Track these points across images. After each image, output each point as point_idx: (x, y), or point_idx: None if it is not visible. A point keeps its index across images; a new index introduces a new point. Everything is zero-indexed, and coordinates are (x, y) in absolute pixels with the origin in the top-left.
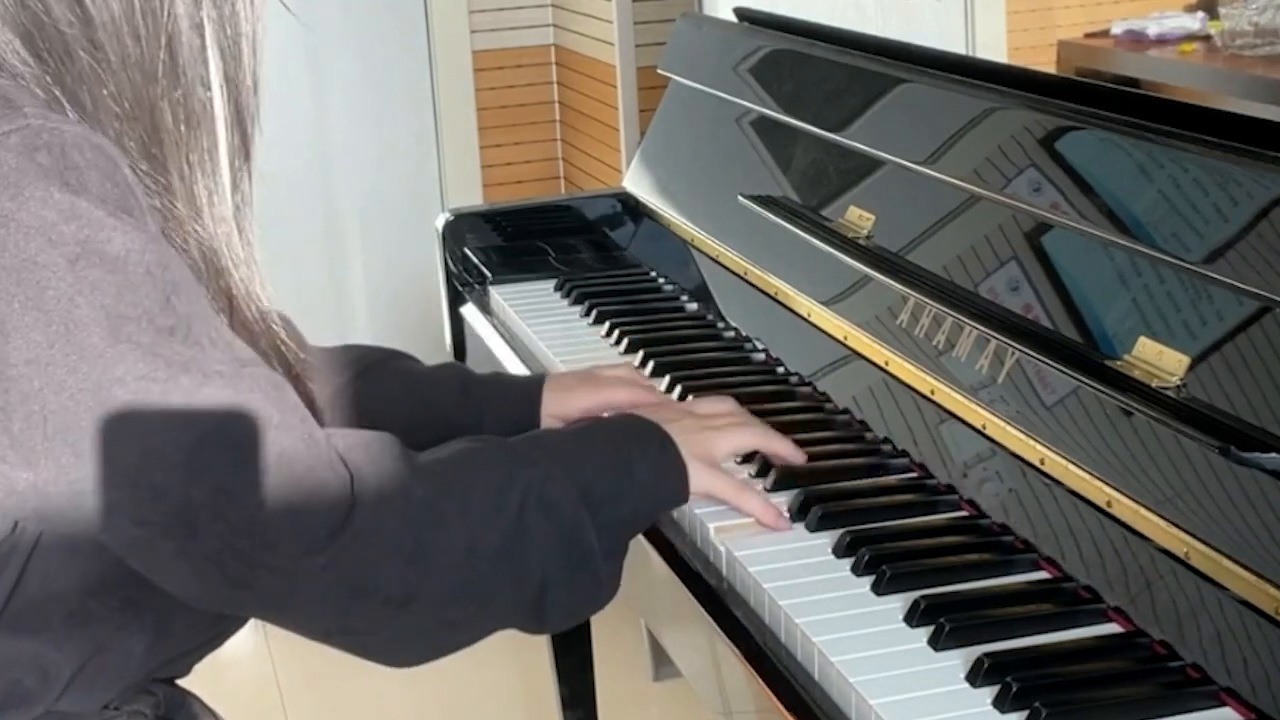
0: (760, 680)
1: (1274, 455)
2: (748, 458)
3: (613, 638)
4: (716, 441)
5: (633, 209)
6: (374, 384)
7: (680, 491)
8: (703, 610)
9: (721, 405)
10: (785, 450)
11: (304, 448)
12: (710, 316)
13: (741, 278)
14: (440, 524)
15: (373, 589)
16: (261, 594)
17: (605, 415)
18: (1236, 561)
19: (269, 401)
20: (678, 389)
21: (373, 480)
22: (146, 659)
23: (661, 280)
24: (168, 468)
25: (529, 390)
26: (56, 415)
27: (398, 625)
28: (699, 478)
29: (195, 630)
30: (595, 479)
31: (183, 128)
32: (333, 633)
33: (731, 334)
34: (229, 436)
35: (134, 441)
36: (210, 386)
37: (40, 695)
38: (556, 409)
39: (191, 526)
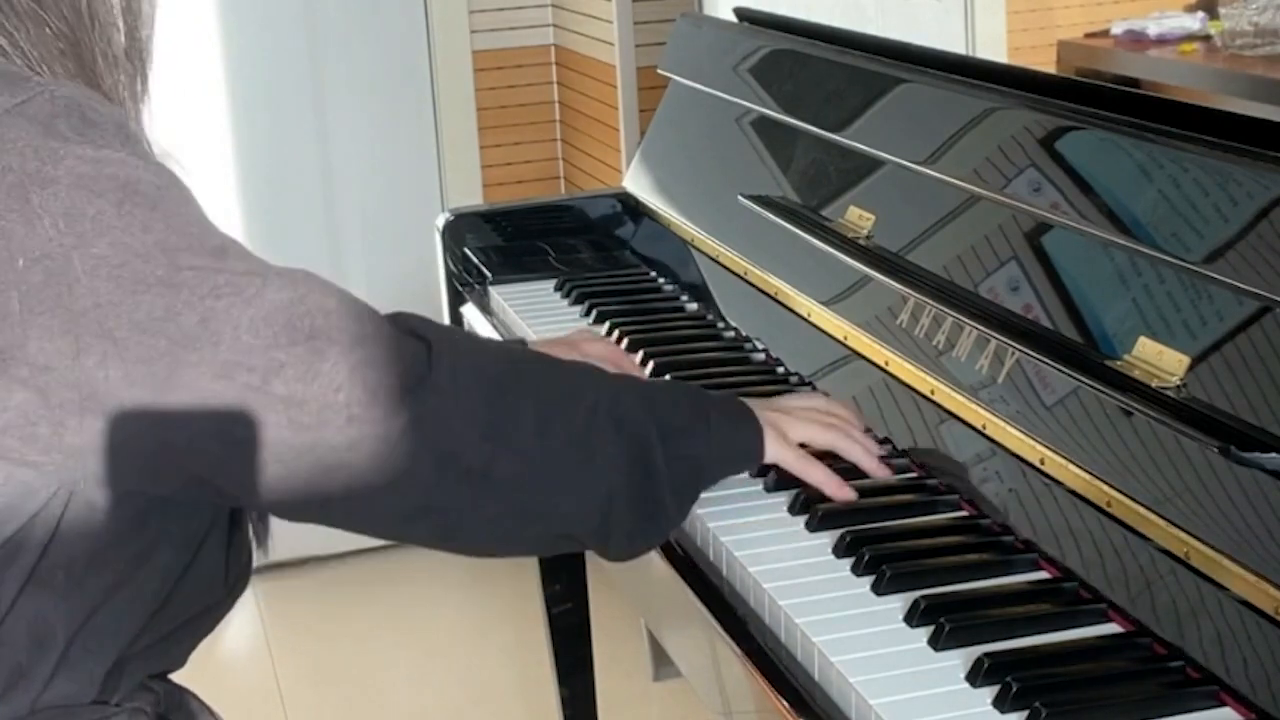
0: (760, 680)
1: (1274, 455)
2: None
3: (613, 638)
4: (793, 425)
5: (633, 209)
6: None
7: (756, 448)
8: (703, 610)
9: (809, 400)
10: (865, 460)
11: (375, 324)
12: (710, 316)
13: (741, 278)
14: (512, 403)
15: (454, 455)
16: (359, 466)
17: None
18: (1236, 561)
19: (329, 290)
20: None
21: (448, 351)
22: (137, 620)
23: (661, 280)
24: (248, 370)
25: None
26: (133, 350)
27: (477, 501)
28: (773, 446)
29: (190, 597)
30: (671, 413)
31: (112, 63)
32: (415, 516)
33: (731, 334)
34: (303, 324)
35: (212, 359)
36: (271, 288)
37: (36, 669)
38: None
39: (287, 412)
